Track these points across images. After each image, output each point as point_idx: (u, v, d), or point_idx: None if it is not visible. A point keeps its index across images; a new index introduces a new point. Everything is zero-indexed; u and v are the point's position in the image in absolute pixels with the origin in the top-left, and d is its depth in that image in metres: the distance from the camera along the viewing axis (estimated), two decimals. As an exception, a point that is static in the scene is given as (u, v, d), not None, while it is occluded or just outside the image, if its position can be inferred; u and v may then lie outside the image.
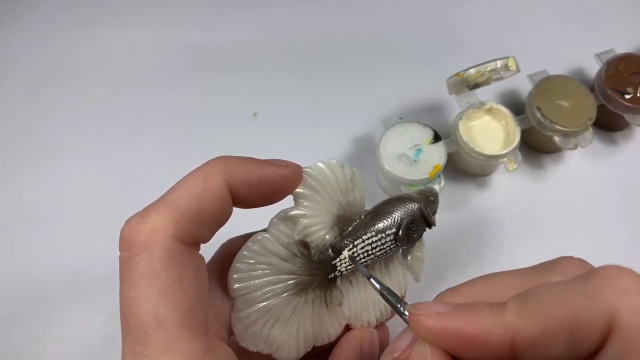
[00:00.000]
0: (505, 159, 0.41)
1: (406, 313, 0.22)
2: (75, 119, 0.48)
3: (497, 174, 0.45)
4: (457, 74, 0.40)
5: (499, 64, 0.40)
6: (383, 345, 0.30)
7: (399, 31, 0.53)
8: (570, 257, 0.22)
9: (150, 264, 0.21)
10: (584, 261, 0.22)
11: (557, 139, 0.42)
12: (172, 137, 0.47)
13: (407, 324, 0.22)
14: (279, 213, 0.26)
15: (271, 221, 0.26)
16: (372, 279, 0.25)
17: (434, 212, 0.30)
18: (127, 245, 0.21)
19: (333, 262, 0.27)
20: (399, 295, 0.30)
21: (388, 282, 0.30)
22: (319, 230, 0.27)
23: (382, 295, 0.24)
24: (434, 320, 0.20)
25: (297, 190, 0.26)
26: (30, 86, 0.50)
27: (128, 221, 0.22)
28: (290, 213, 0.26)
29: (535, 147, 0.46)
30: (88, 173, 0.46)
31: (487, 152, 0.40)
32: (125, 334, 0.21)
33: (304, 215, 0.26)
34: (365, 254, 0.28)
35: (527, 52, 0.44)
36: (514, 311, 0.19)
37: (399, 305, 0.23)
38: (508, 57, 0.40)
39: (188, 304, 0.21)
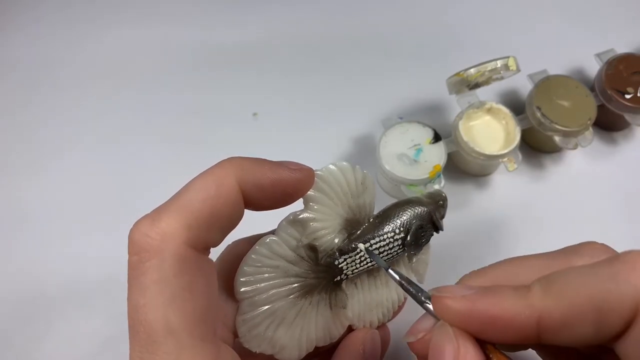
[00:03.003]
0: (505, 159, 0.41)
1: (427, 302, 0.23)
2: (74, 119, 0.48)
3: (497, 174, 0.45)
4: (457, 74, 0.40)
5: (499, 63, 0.40)
6: (384, 346, 0.30)
7: (399, 31, 0.53)
8: (594, 242, 0.23)
9: (161, 271, 0.20)
10: (607, 246, 0.22)
11: (557, 138, 0.42)
12: (172, 137, 0.47)
13: (428, 311, 0.23)
14: (288, 216, 0.26)
15: (280, 224, 0.26)
16: (390, 270, 0.25)
17: (442, 217, 0.30)
18: (137, 249, 0.21)
19: (340, 265, 0.27)
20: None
21: (392, 284, 0.30)
22: (328, 234, 0.27)
23: (402, 285, 0.24)
24: (458, 302, 0.21)
25: (308, 193, 0.26)
26: (29, 86, 0.50)
27: (137, 224, 0.21)
28: (300, 216, 0.26)
29: (536, 147, 0.46)
30: (87, 173, 0.46)
31: (487, 152, 0.40)
32: (133, 340, 0.20)
33: (313, 219, 0.26)
34: (377, 250, 0.28)
35: (527, 52, 0.44)
36: (540, 293, 0.20)
37: (419, 294, 0.23)
38: (508, 57, 0.40)
39: (198, 311, 0.21)
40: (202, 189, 0.22)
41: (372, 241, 0.27)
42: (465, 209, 0.44)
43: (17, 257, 0.42)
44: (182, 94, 0.50)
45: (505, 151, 0.40)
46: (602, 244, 0.22)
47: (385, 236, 0.28)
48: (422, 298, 0.23)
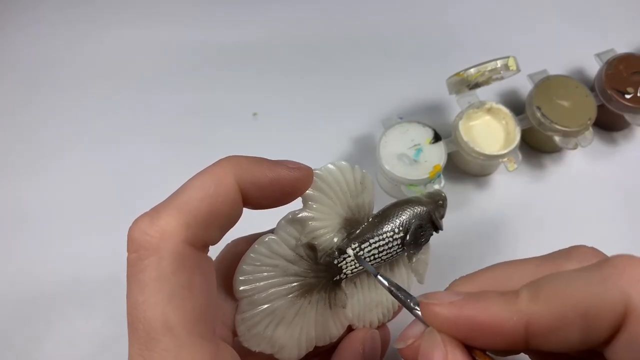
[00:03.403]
0: (505, 159, 0.41)
1: (416, 308, 0.22)
2: (74, 119, 0.48)
3: (497, 174, 0.45)
4: (457, 74, 0.40)
5: (499, 63, 0.40)
6: (384, 345, 0.30)
7: (399, 31, 0.53)
8: (583, 246, 0.22)
9: (159, 268, 0.20)
10: (597, 249, 0.22)
11: (557, 138, 0.42)
12: (172, 137, 0.47)
13: (417, 317, 0.22)
14: (287, 215, 0.26)
15: (279, 223, 0.26)
16: (379, 276, 0.25)
17: (442, 216, 0.30)
18: (135, 247, 0.21)
19: (339, 265, 0.27)
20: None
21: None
22: (327, 233, 0.27)
23: (391, 291, 0.24)
24: (446, 309, 0.21)
25: (307, 192, 0.26)
26: (29, 86, 0.50)
27: (137, 222, 0.21)
28: (299, 215, 0.26)
29: (536, 147, 0.46)
30: (87, 173, 0.46)
31: (487, 152, 0.40)
32: (132, 338, 0.20)
33: (312, 218, 0.26)
34: (372, 257, 0.28)
35: (527, 52, 0.44)
36: (528, 298, 0.19)
37: (408, 300, 0.23)
38: (508, 57, 0.40)
39: (197, 309, 0.21)
40: (201, 188, 0.22)
41: (372, 240, 0.27)
42: (465, 209, 0.44)
43: (17, 257, 0.42)
44: (182, 94, 0.50)
45: (505, 151, 0.40)
46: (592, 248, 0.22)
47: (384, 235, 0.28)
48: (411, 304, 0.23)
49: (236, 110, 0.49)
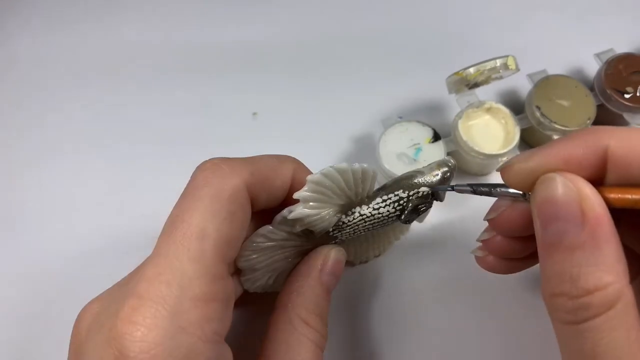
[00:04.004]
0: (504, 159, 0.41)
1: (502, 188, 0.25)
2: (74, 117, 0.48)
3: (496, 174, 0.45)
4: (456, 73, 0.41)
5: (498, 62, 0.40)
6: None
7: (399, 31, 0.53)
8: None
9: (219, 190, 0.23)
10: None
11: (556, 138, 0.42)
12: (171, 136, 0.47)
13: (508, 195, 0.25)
14: (284, 212, 0.27)
15: (274, 220, 0.28)
16: (455, 188, 0.28)
17: (448, 185, 0.31)
18: (205, 168, 0.24)
19: (334, 235, 0.30)
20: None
21: (383, 236, 0.34)
22: (322, 218, 0.28)
23: (474, 192, 0.27)
24: (527, 161, 0.23)
25: (305, 194, 0.26)
26: (29, 84, 0.50)
27: (211, 159, 0.25)
28: (298, 216, 0.27)
29: (535, 146, 0.46)
30: (86, 174, 0.46)
31: (486, 152, 0.40)
32: (163, 235, 0.23)
33: (309, 215, 0.27)
34: (372, 218, 0.29)
35: (527, 52, 0.44)
36: (608, 132, 0.22)
37: (492, 190, 0.26)
38: (507, 56, 0.40)
39: (229, 237, 0.23)
40: (267, 158, 0.27)
41: (372, 203, 0.29)
42: (464, 209, 0.44)
43: (16, 256, 0.42)
44: (181, 94, 0.50)
45: (505, 150, 0.40)
46: None
47: (383, 200, 0.29)
48: (498, 190, 0.25)
49: (236, 110, 0.49)
